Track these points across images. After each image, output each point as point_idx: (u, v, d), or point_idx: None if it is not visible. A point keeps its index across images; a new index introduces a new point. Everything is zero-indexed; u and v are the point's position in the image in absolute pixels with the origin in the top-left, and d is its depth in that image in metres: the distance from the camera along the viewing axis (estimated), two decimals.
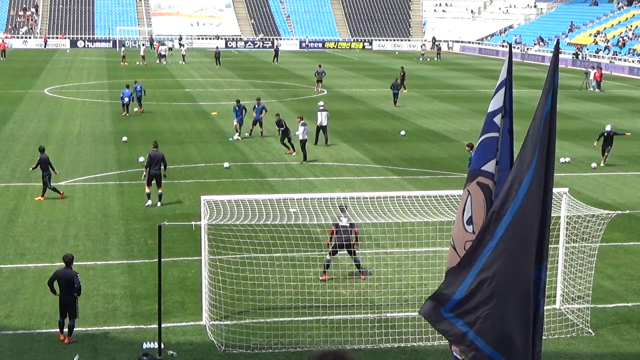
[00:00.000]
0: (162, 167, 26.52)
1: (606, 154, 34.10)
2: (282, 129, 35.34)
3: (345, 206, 19.44)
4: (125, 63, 76.70)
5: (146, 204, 26.47)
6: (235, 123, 38.98)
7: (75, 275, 16.55)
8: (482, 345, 8.24)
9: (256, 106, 39.24)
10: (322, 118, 37.46)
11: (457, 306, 8.29)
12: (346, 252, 20.00)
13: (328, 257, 19.92)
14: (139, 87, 46.48)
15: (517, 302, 8.14)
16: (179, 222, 22.14)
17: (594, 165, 34.06)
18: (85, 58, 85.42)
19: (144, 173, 26.68)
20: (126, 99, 45.06)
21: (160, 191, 26.61)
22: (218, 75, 69.33)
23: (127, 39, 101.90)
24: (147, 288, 19.41)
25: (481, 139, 8.92)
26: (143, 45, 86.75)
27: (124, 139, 38.05)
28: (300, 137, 33.82)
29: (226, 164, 32.81)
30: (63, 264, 16.83)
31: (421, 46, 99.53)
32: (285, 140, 35.38)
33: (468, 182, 8.95)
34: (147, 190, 26.54)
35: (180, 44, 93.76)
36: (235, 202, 18.08)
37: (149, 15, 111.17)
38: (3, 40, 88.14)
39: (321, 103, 39.74)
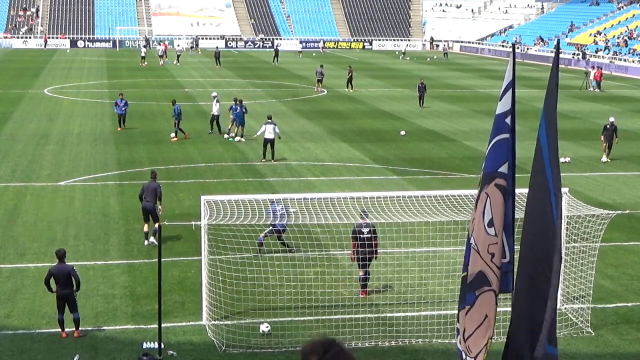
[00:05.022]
0: (158, 201, 22.78)
1: (608, 145, 34.96)
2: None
3: (365, 213, 18.77)
4: (145, 64, 76.66)
5: (145, 244, 22.83)
6: (236, 124, 38.83)
7: (72, 268, 16.61)
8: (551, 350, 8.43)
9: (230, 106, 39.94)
10: (215, 109, 39.72)
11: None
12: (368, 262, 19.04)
13: (361, 273, 19.11)
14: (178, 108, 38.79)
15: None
16: (179, 222, 22.12)
17: (604, 159, 35.04)
18: (85, 58, 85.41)
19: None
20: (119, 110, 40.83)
21: (156, 226, 20.73)
22: (218, 75, 69.32)
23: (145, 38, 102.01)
24: (147, 288, 19.41)
25: (495, 140, 8.90)
26: (160, 44, 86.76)
27: None
28: (264, 136, 33.92)
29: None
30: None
31: (420, 44, 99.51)
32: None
33: (485, 184, 8.90)
34: (145, 229, 22.95)
35: (178, 45, 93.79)
36: (235, 202, 18.08)
37: (149, 15, 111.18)
38: None
39: (214, 94, 41.61)
